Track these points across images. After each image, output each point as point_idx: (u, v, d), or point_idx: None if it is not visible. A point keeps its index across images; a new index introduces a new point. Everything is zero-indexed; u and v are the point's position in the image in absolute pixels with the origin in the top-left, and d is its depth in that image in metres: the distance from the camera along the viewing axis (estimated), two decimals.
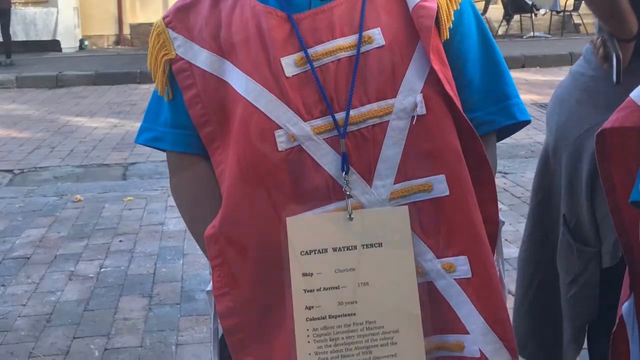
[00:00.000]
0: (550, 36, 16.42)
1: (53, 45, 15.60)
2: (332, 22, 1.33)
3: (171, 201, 4.97)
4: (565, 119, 2.07)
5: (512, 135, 1.52)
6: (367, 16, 1.34)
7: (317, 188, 1.29)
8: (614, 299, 1.49)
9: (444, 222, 1.31)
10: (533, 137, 7.03)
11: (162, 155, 1.49)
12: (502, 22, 16.73)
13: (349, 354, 1.26)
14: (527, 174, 5.73)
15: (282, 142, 1.29)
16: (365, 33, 1.32)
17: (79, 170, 6.73)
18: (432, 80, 1.31)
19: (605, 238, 1.95)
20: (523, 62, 12.63)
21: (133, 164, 6.83)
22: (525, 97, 8.53)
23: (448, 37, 1.36)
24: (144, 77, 11.80)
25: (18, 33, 15.12)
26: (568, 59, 12.41)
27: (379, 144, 1.29)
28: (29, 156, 7.22)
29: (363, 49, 1.32)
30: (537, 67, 12.54)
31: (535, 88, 10.05)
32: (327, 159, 1.29)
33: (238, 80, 1.33)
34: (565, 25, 16.80)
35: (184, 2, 1.44)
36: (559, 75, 10.05)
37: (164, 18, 1.44)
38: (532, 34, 16.27)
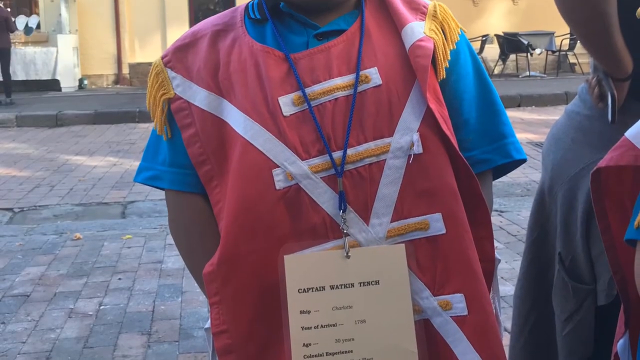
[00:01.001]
0: (546, 75, 16.53)
1: (53, 84, 15.69)
2: (329, 62, 1.34)
3: (170, 239, 4.98)
4: (560, 158, 2.08)
5: (508, 174, 1.53)
6: (364, 55, 1.35)
7: (315, 226, 1.29)
8: (609, 337, 1.48)
9: (441, 260, 1.32)
10: (529, 175, 7.08)
11: (161, 194, 1.50)
12: (498, 61, 16.85)
13: None
14: (523, 212, 5.76)
15: (279, 181, 1.29)
16: (362, 72, 1.33)
17: (78, 208, 6.76)
18: (428, 120, 1.31)
19: (601, 276, 1.95)
20: (519, 102, 12.72)
21: (132, 202, 6.86)
22: (521, 136, 8.58)
23: (444, 76, 1.37)
24: (143, 116, 11.88)
25: (18, 72, 15.23)
26: (564, 98, 12.50)
27: (376, 183, 1.30)
28: (29, 195, 7.25)
29: (360, 88, 1.32)
30: (533, 107, 12.63)
31: (531, 127, 10.13)
32: (324, 197, 1.29)
33: (236, 119, 1.34)
34: (560, 65, 16.92)
35: (182, 42, 1.45)
36: (555, 115, 10.12)
37: (162, 57, 1.45)
38: (528, 73, 16.39)
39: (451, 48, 1.39)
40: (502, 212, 5.93)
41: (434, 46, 1.36)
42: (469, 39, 1.48)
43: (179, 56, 1.43)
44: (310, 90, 1.32)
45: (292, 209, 1.29)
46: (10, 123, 12.08)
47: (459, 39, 1.41)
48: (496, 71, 16.71)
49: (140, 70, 16.24)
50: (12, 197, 7.15)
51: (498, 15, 17.49)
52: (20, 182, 7.77)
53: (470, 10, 17.10)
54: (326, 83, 1.33)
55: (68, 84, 15.76)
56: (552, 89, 13.59)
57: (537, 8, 16.65)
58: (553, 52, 16.67)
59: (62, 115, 12.20)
